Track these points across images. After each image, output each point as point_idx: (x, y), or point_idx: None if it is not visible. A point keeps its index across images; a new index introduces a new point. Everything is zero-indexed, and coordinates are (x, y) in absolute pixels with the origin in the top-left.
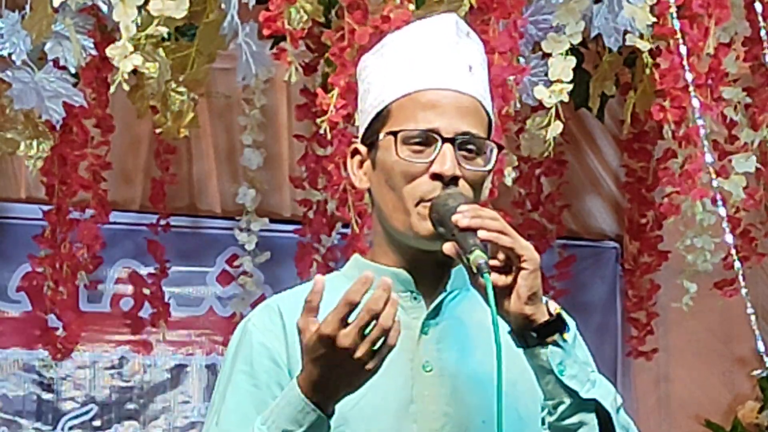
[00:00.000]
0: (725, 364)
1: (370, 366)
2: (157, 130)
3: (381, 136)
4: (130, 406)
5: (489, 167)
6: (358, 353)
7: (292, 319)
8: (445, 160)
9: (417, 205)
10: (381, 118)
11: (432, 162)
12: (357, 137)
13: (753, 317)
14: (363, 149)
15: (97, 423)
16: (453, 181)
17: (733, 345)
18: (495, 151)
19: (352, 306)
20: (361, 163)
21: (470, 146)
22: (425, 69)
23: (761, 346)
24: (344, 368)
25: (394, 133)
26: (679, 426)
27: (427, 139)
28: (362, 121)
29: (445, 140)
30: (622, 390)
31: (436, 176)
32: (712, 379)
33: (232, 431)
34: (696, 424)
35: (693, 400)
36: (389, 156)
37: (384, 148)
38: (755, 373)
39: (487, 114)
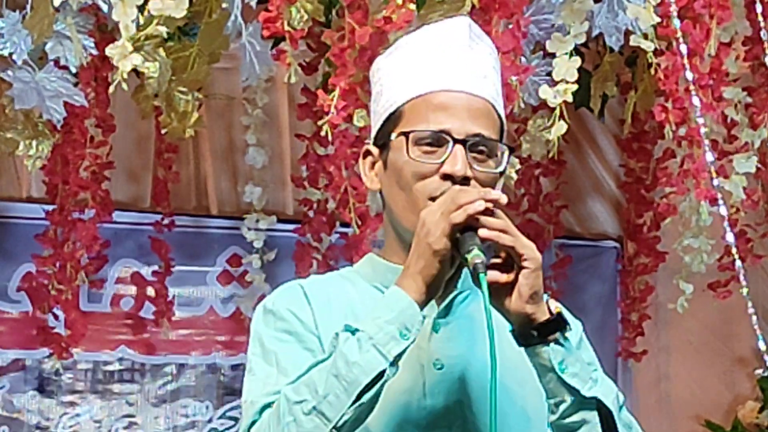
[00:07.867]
0: (725, 363)
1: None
2: (163, 131)
3: (393, 136)
4: (130, 405)
5: (500, 169)
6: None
7: (315, 298)
8: (456, 160)
9: (427, 203)
10: (393, 119)
11: (443, 163)
12: (358, 138)
13: (754, 317)
14: (375, 150)
15: (97, 423)
16: (464, 181)
17: (733, 344)
18: (507, 153)
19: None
20: (373, 164)
21: (481, 148)
22: (438, 71)
23: (762, 345)
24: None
25: (406, 134)
26: (679, 426)
27: (439, 140)
28: (374, 122)
29: (456, 141)
30: (622, 390)
31: (446, 176)
32: (712, 379)
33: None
34: (696, 424)
35: (693, 400)
36: (400, 156)
37: (395, 148)
38: (757, 372)
39: (499, 117)
